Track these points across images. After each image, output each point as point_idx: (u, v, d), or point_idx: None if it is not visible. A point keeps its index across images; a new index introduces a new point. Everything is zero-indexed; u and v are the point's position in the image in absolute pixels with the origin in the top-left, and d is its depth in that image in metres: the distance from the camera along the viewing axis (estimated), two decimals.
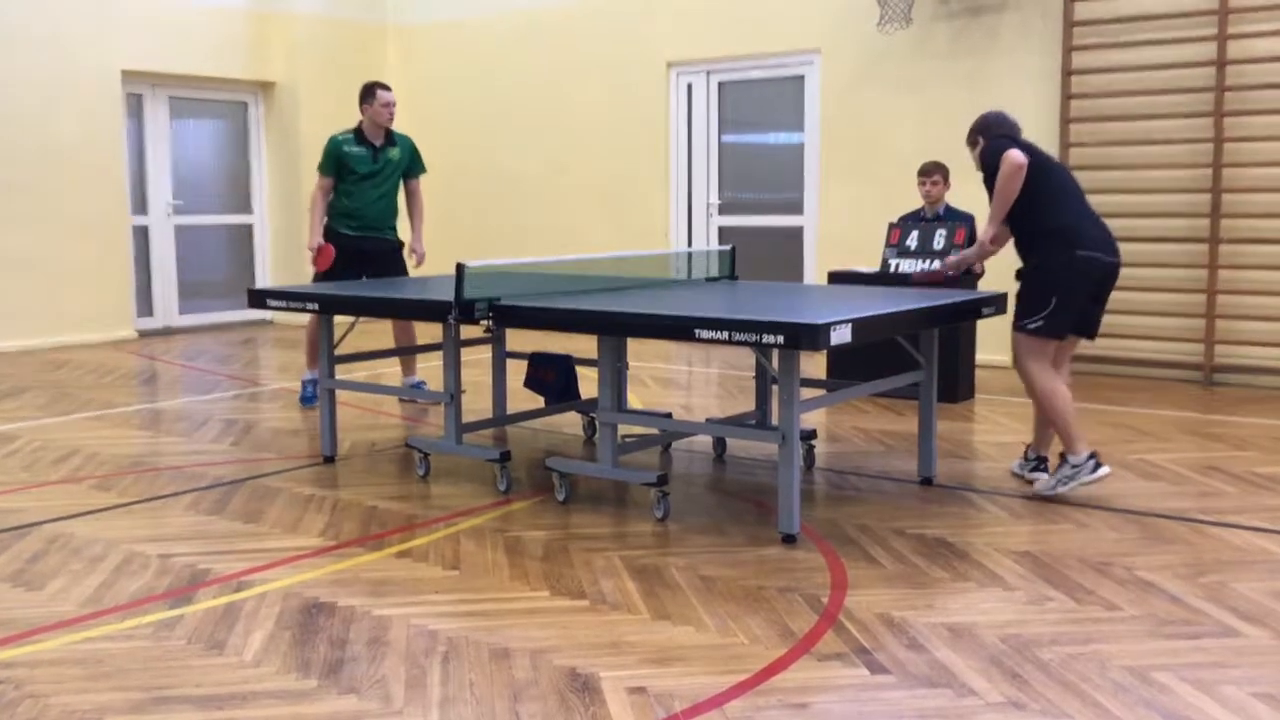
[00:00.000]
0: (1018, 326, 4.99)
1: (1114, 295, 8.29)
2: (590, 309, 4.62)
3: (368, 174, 7.14)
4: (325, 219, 7.16)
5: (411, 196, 7.46)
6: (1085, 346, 8.38)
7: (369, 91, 7.17)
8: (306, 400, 7.22)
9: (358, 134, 7.18)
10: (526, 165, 11.47)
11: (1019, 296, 5.04)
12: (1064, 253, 4.89)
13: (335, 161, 7.09)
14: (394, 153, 7.25)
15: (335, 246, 7.06)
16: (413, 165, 7.38)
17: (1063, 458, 4.97)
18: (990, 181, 4.99)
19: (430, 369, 8.34)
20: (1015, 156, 4.83)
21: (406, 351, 6.96)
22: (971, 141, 5.21)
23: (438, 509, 4.91)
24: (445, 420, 5.35)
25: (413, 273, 7.40)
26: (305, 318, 7.54)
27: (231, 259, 11.91)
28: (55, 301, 10.11)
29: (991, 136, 5.08)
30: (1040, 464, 5.24)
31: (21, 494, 5.18)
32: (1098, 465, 4.91)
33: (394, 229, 7.37)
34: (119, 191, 10.60)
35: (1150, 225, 8.24)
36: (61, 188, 10.11)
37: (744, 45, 10.09)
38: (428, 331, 6.63)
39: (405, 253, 7.41)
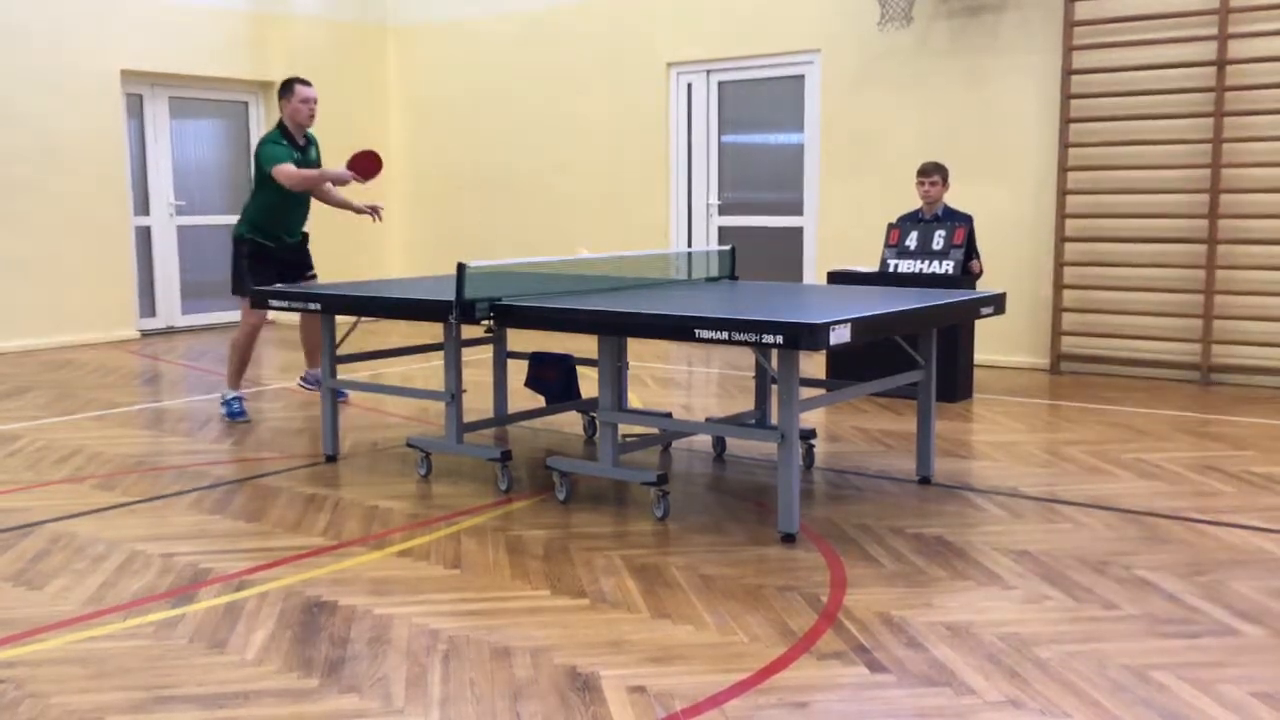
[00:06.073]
0: None
1: (1112, 295, 8.43)
2: (590, 309, 4.64)
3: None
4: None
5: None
6: (1082, 347, 8.46)
7: (287, 87, 6.53)
8: (234, 415, 6.78)
9: (285, 136, 6.56)
10: (526, 165, 11.48)
11: None
12: None
13: (286, 153, 6.45)
14: (313, 153, 6.75)
15: (262, 257, 6.66)
16: (319, 161, 6.86)
17: None
18: None
19: (431, 369, 8.36)
20: None
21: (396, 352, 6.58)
22: None
23: (439, 508, 4.93)
24: (446, 420, 5.36)
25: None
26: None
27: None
28: (58, 302, 10.12)
29: None
30: None
31: (24, 493, 5.20)
32: None
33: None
34: (120, 192, 10.61)
35: (1149, 225, 8.25)
36: (63, 188, 10.13)
37: (744, 45, 10.10)
38: (429, 331, 6.63)
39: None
